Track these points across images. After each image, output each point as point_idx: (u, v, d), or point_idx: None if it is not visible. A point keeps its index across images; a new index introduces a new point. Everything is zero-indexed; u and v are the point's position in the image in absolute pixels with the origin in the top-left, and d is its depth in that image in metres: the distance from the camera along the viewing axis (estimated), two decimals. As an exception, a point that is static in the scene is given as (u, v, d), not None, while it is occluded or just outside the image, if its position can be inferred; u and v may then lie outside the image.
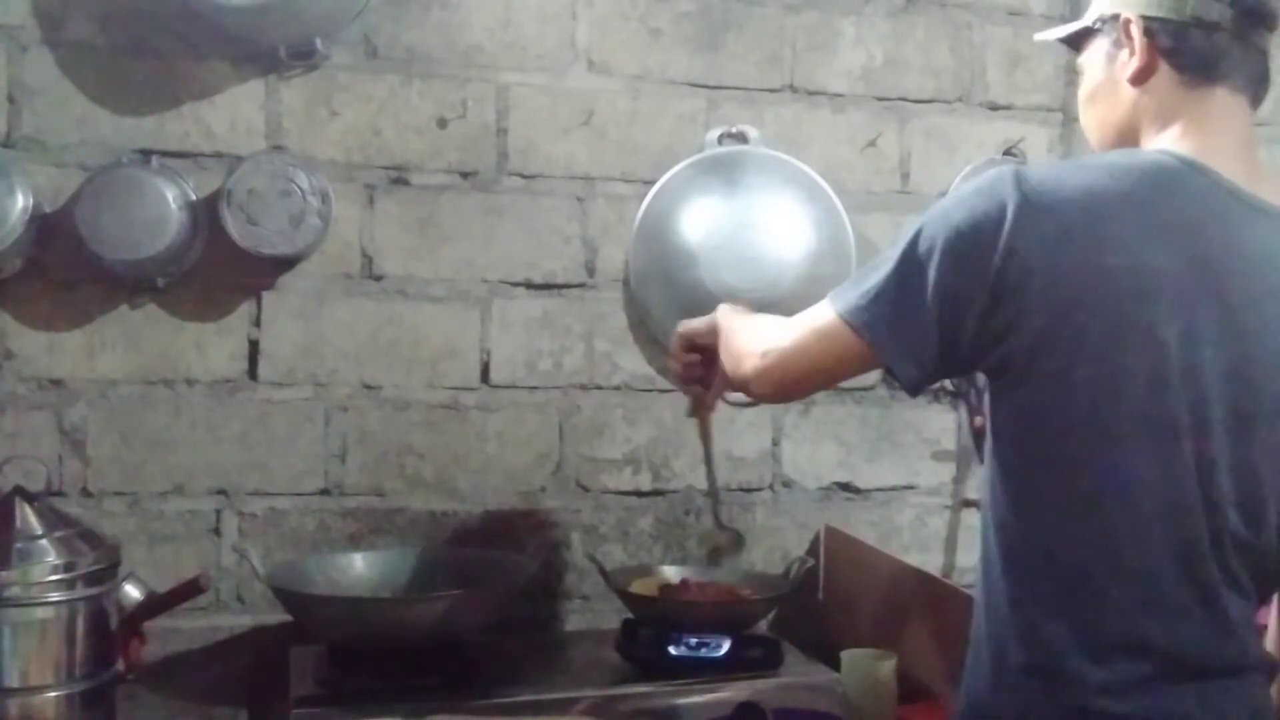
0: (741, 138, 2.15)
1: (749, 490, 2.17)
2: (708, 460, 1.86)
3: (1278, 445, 1.17)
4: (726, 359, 1.47)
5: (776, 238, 2.12)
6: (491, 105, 2.07)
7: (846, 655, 1.73)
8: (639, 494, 2.13)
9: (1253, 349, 1.15)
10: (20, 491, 1.63)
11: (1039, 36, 1.43)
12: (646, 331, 2.13)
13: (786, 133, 2.18)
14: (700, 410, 1.76)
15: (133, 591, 1.67)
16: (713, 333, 1.54)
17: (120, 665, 1.64)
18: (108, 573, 1.63)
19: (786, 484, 2.19)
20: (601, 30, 2.11)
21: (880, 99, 2.23)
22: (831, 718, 1.66)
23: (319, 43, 1.96)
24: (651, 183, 2.11)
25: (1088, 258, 1.12)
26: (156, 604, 1.67)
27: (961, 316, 1.15)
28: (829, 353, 1.26)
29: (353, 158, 2.01)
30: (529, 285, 2.09)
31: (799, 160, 2.16)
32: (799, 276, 2.11)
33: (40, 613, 1.56)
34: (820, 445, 2.21)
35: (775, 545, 2.17)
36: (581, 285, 2.11)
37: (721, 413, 2.16)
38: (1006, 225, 1.12)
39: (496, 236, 2.07)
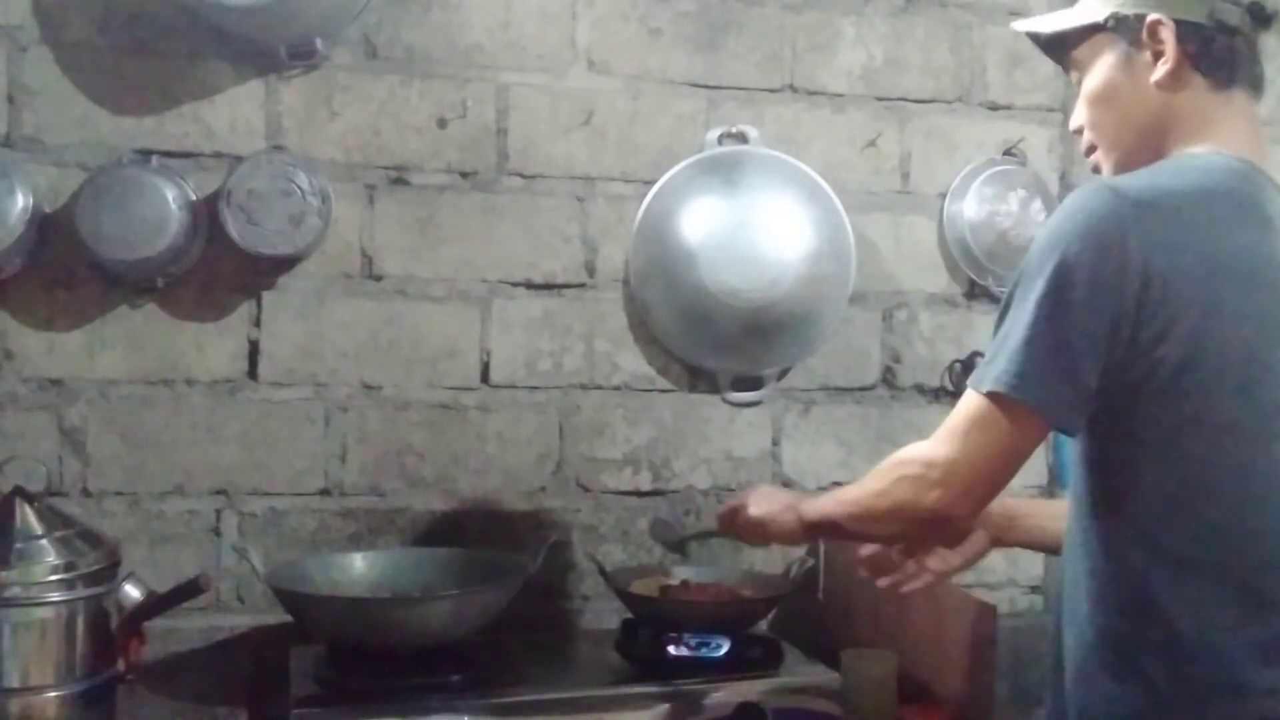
0: (741, 138, 2.15)
1: (749, 490, 2.17)
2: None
3: None
4: (870, 525, 1.35)
5: (776, 238, 2.11)
6: (491, 105, 2.07)
7: (846, 655, 1.73)
8: (639, 494, 2.13)
9: None
10: (20, 491, 1.62)
11: (1021, 25, 1.39)
12: (646, 331, 2.13)
13: (786, 133, 2.18)
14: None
15: (133, 591, 1.66)
16: (803, 536, 1.48)
17: (120, 665, 1.64)
18: (108, 573, 1.63)
19: (786, 484, 2.19)
20: (601, 30, 2.11)
21: (880, 99, 2.23)
22: (831, 718, 1.66)
23: (319, 43, 1.96)
24: (651, 183, 2.11)
25: (1213, 258, 1.14)
26: (156, 604, 1.67)
27: (1110, 341, 1.13)
28: (1008, 442, 1.18)
29: (353, 158, 2.01)
30: (529, 285, 2.09)
31: (799, 160, 2.16)
32: (799, 276, 2.11)
33: (40, 613, 1.56)
34: (820, 445, 2.21)
35: (775, 545, 2.17)
36: (581, 285, 2.11)
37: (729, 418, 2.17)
38: (1133, 242, 1.12)
39: (496, 236, 2.07)
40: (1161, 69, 1.24)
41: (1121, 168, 1.28)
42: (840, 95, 2.21)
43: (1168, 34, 1.23)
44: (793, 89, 2.20)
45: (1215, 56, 1.23)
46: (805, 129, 2.20)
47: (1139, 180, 1.19)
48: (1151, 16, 1.24)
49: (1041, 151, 2.30)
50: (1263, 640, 1.14)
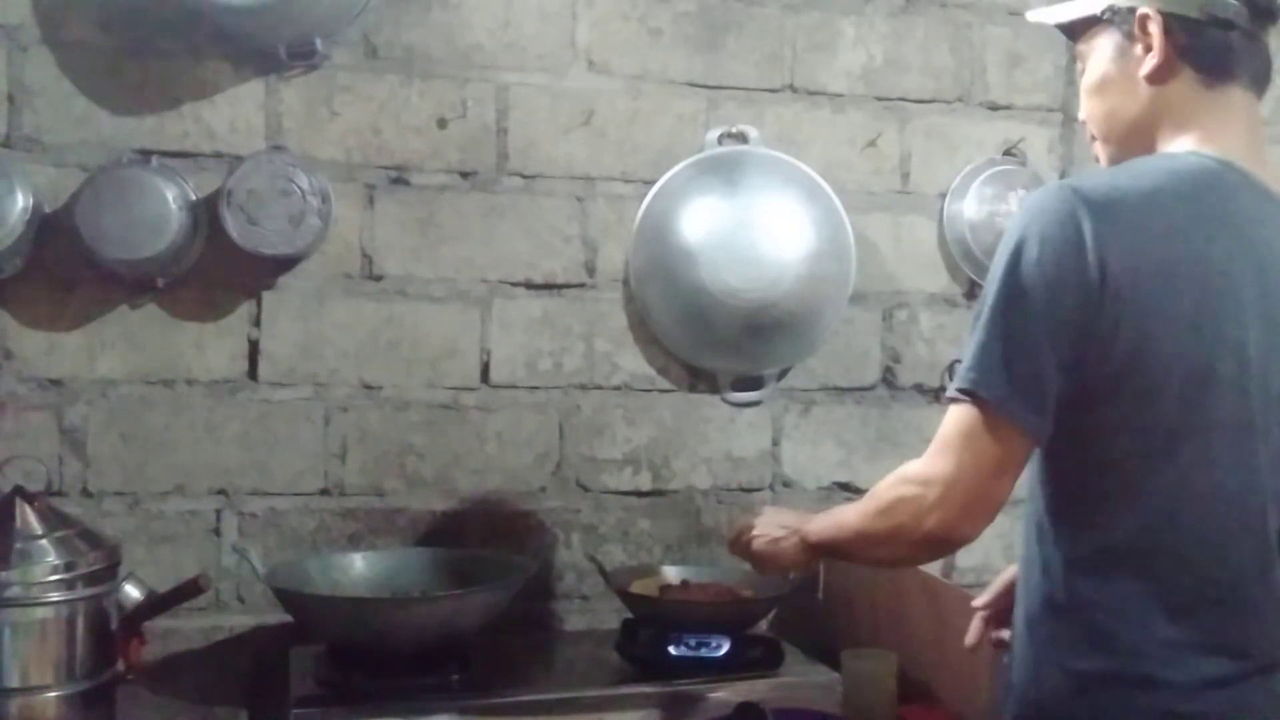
0: (741, 138, 2.15)
1: (749, 490, 2.17)
2: None
3: None
4: (872, 549, 1.33)
5: (776, 238, 2.11)
6: (491, 105, 2.07)
7: (846, 655, 1.73)
8: (639, 494, 2.13)
9: None
10: (20, 491, 1.63)
11: (1033, 15, 1.40)
12: (646, 331, 2.13)
13: (786, 133, 2.18)
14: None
15: (133, 591, 1.67)
16: (808, 559, 1.47)
17: (120, 665, 1.64)
18: (108, 573, 1.63)
19: (786, 484, 2.19)
20: (601, 30, 2.11)
21: (880, 99, 2.23)
22: (831, 718, 1.66)
23: (319, 43, 1.96)
24: (651, 183, 2.11)
25: (1167, 262, 1.13)
26: (156, 604, 1.67)
27: (1071, 344, 1.13)
28: (985, 449, 1.16)
29: (353, 158, 2.01)
30: (529, 285, 2.09)
31: (799, 160, 2.16)
32: (799, 276, 2.11)
33: (40, 613, 1.56)
34: (820, 445, 2.21)
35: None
36: (581, 285, 2.11)
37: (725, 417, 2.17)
38: (1090, 243, 1.12)
39: (496, 236, 2.07)
40: (1149, 62, 1.23)
41: (1115, 160, 1.29)
42: (840, 95, 2.21)
43: (1155, 27, 1.22)
44: (793, 89, 2.20)
45: (1207, 50, 1.21)
46: (805, 129, 2.20)
47: (1099, 180, 1.18)
48: (1141, 10, 1.23)
49: (1041, 151, 2.30)
50: (1174, 639, 1.15)
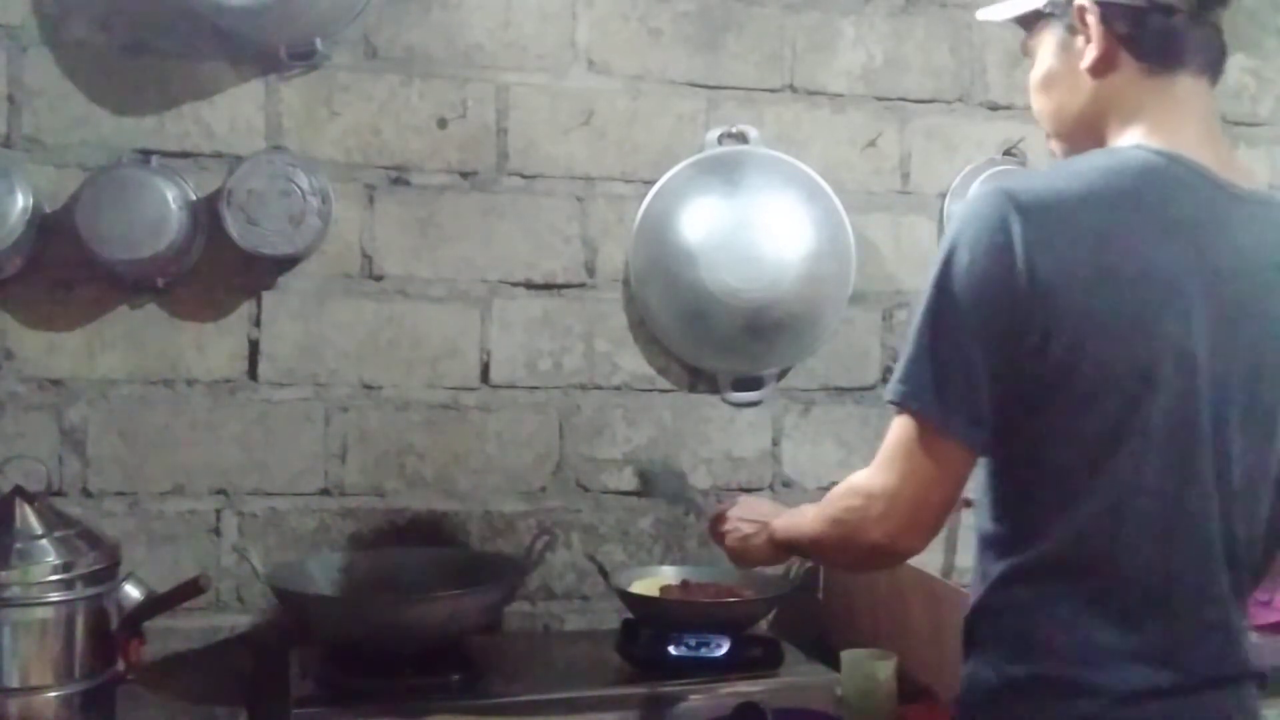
0: (741, 138, 2.15)
1: (749, 490, 2.17)
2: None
3: (1276, 444, 1.17)
4: (826, 554, 1.37)
5: (776, 238, 2.11)
6: (491, 105, 2.07)
7: (846, 655, 1.73)
8: (639, 494, 2.12)
9: (1261, 347, 1.15)
10: (20, 491, 1.62)
11: (982, 14, 1.36)
12: (646, 331, 2.13)
13: (786, 133, 2.18)
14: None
15: (133, 591, 1.66)
16: (774, 555, 1.46)
17: (120, 665, 1.64)
18: (108, 573, 1.63)
19: (786, 484, 2.19)
20: (601, 30, 2.11)
21: (880, 99, 2.23)
22: (831, 718, 1.66)
23: (319, 43, 1.96)
24: (651, 183, 2.11)
25: (1103, 265, 1.09)
26: (156, 604, 1.67)
27: (1003, 351, 1.10)
28: (920, 460, 1.15)
29: (353, 158, 2.01)
30: (529, 285, 2.09)
31: (799, 160, 2.16)
32: (799, 276, 2.11)
33: (40, 613, 1.56)
34: (820, 445, 2.21)
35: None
36: (581, 285, 2.11)
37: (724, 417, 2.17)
38: (1019, 248, 1.09)
39: (496, 236, 2.07)
40: (1089, 54, 1.18)
41: (1069, 155, 1.25)
42: (840, 95, 2.21)
43: (1093, 18, 1.17)
44: (793, 89, 2.20)
45: (1149, 39, 1.16)
46: (805, 129, 2.20)
47: (1034, 182, 1.15)
48: (1079, 0, 1.18)
49: (1041, 151, 2.28)
50: (1107, 645, 1.12)
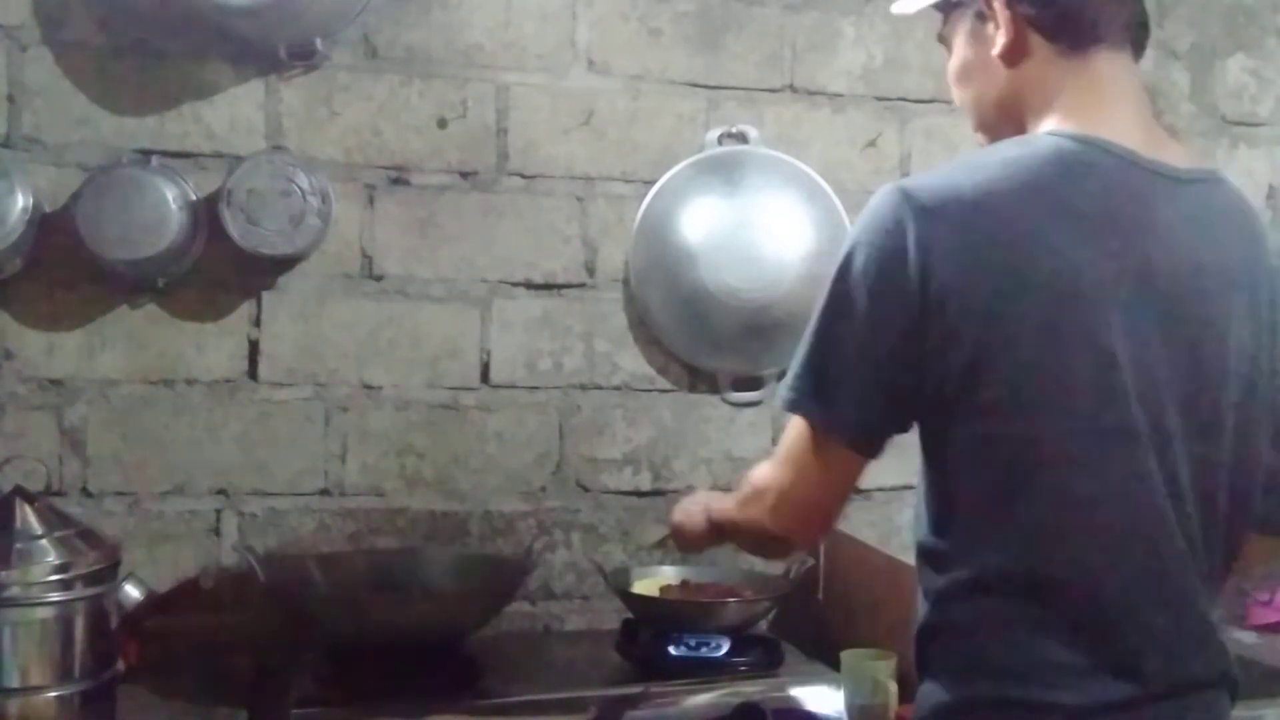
0: (741, 138, 2.15)
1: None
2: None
3: (1227, 433, 1.11)
4: (740, 537, 1.33)
5: (776, 238, 2.11)
6: (491, 105, 2.07)
7: (846, 655, 1.73)
8: (639, 494, 2.13)
9: (1194, 333, 1.09)
10: (20, 491, 1.62)
11: (896, 9, 1.33)
12: (646, 331, 2.13)
13: (786, 133, 2.18)
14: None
15: (133, 591, 1.66)
16: (708, 532, 1.41)
17: (120, 665, 1.64)
18: (108, 573, 1.63)
19: (786, 484, 2.19)
20: (601, 30, 2.11)
21: (880, 99, 2.23)
22: (831, 718, 1.66)
23: (319, 43, 1.96)
24: (651, 183, 2.11)
25: (1001, 264, 1.04)
26: (156, 604, 1.67)
27: (892, 358, 1.07)
28: (804, 457, 1.14)
29: (353, 158, 2.01)
30: (529, 285, 2.09)
31: (799, 160, 2.16)
32: (799, 276, 2.10)
33: (40, 613, 1.55)
34: (820, 445, 2.20)
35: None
36: (581, 285, 2.11)
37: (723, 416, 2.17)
38: (911, 250, 1.04)
39: (496, 236, 2.07)
40: (999, 41, 1.14)
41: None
42: (840, 95, 2.21)
43: (998, 3, 1.14)
44: (793, 89, 2.20)
45: (1057, 17, 1.12)
46: (805, 129, 2.20)
47: (933, 179, 1.10)
48: None
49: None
50: (1063, 661, 1.06)
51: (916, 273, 1.04)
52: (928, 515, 1.15)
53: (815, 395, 1.11)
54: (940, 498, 1.13)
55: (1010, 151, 1.11)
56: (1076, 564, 1.07)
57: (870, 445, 1.12)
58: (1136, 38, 1.16)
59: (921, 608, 1.16)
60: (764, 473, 1.20)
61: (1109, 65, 1.14)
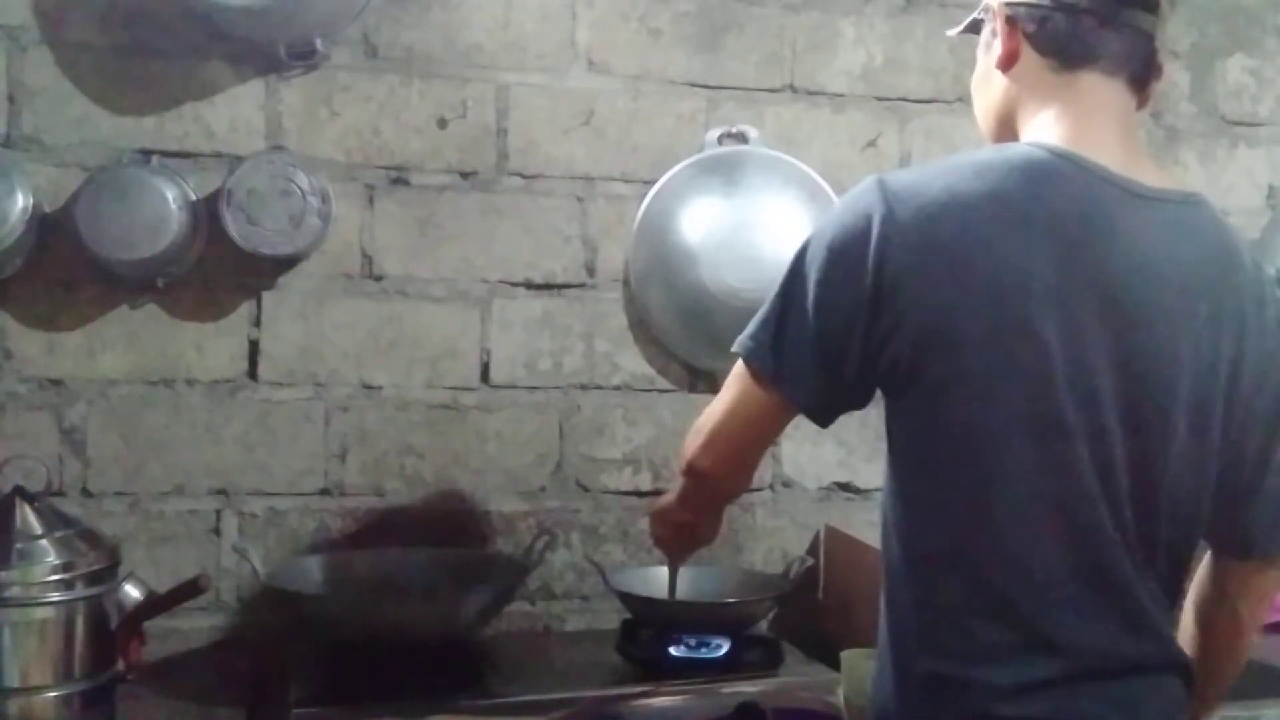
0: (741, 138, 2.15)
1: (749, 490, 2.16)
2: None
3: (1175, 435, 1.15)
4: (686, 495, 1.41)
5: (776, 238, 2.11)
6: (491, 105, 2.07)
7: (846, 655, 1.73)
8: (639, 494, 2.13)
9: (1141, 338, 1.14)
10: (20, 491, 1.63)
11: (951, 31, 1.41)
12: (646, 331, 2.13)
13: (786, 133, 2.18)
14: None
15: (133, 591, 1.66)
16: (679, 525, 1.48)
17: (120, 665, 1.64)
18: (108, 573, 1.63)
19: (786, 484, 2.19)
20: (601, 30, 2.11)
21: (880, 99, 2.23)
22: (831, 718, 1.66)
23: (319, 43, 1.96)
24: (651, 183, 2.11)
25: (955, 260, 1.11)
26: (156, 604, 1.67)
27: (845, 332, 1.14)
28: (743, 399, 1.24)
29: (353, 158, 2.01)
30: (529, 285, 2.09)
31: (799, 160, 2.16)
32: (799, 276, 2.10)
33: (40, 613, 1.56)
34: (820, 445, 2.21)
35: (775, 545, 2.17)
36: (581, 285, 2.11)
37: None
38: (874, 236, 1.12)
39: (496, 236, 2.07)
40: (996, 49, 1.24)
41: None
42: (840, 95, 2.21)
43: (1001, 17, 1.23)
44: (793, 89, 2.20)
45: (1051, 37, 1.20)
46: (805, 129, 2.20)
47: (910, 175, 1.20)
48: (994, 2, 1.25)
49: (1041, 151, 2.29)
50: (996, 640, 1.12)
51: (874, 257, 1.12)
52: (885, 495, 1.23)
53: (772, 348, 1.20)
54: (893, 478, 1.21)
55: (985, 157, 1.19)
56: (1000, 541, 1.13)
57: (805, 400, 1.21)
58: (1136, 72, 1.22)
59: (884, 585, 1.23)
60: (705, 412, 1.30)
61: (1097, 88, 1.20)
